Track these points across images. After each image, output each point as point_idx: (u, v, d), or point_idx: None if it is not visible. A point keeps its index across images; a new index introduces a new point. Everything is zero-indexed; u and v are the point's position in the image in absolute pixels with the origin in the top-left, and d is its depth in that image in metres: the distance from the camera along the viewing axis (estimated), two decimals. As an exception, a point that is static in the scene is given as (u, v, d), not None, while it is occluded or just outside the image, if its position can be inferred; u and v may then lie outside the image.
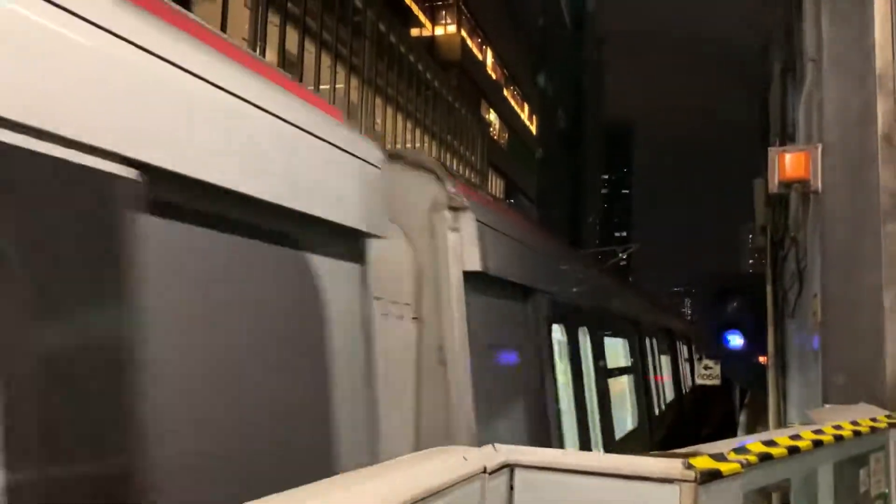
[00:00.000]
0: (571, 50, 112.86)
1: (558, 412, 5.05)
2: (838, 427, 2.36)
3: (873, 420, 2.74)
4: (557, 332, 5.50)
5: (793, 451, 1.97)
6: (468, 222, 3.60)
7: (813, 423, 2.87)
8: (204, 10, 26.59)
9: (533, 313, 4.75)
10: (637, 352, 9.14)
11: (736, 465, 1.61)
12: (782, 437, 2.04)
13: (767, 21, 8.72)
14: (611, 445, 6.59)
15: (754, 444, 1.83)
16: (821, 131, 4.00)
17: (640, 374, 9.23)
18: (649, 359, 10.15)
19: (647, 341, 10.15)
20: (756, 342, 7.83)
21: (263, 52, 29.55)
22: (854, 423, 2.53)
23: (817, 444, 2.12)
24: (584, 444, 5.72)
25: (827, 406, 3.74)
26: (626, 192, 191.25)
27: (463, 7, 53.26)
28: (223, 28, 27.41)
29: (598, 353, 6.92)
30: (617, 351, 8.46)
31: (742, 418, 11.01)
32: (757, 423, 11.78)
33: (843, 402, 3.81)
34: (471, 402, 3.44)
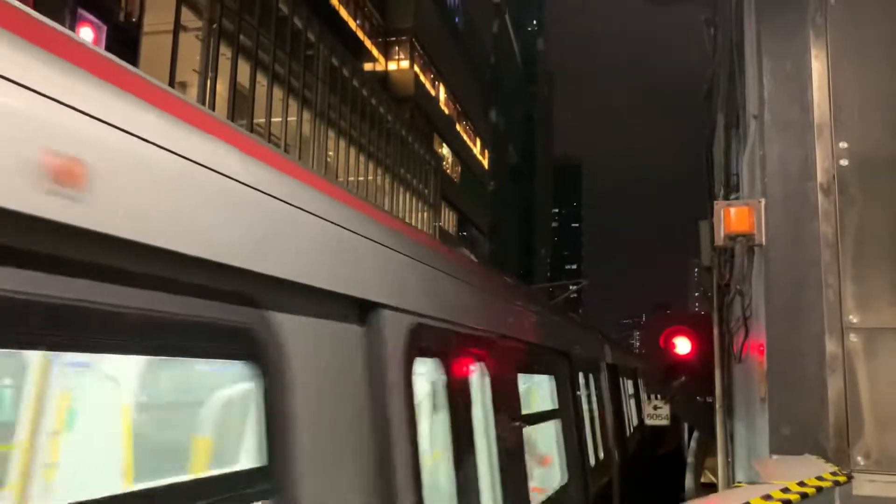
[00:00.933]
0: (522, 86, 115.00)
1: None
2: (786, 490, 2.38)
3: (819, 478, 2.78)
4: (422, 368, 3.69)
5: (744, 521, 1.97)
6: None
7: (758, 476, 2.89)
8: (154, 41, 26.36)
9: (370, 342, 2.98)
10: (567, 391, 7.47)
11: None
12: (732, 507, 2.04)
13: (709, 71, 9.01)
14: None
15: None
16: (764, 186, 4.11)
17: (571, 418, 7.46)
18: (583, 399, 8.75)
19: (581, 378, 8.75)
20: (703, 383, 7.94)
21: (215, 84, 29.37)
22: (801, 483, 2.56)
23: (766, 511, 2.13)
24: None
25: (775, 458, 3.79)
26: (576, 225, 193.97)
27: (416, 43, 53.93)
28: (173, 61, 27.19)
29: (501, 395, 4.94)
30: (536, 392, 7.12)
31: (690, 459, 11.13)
32: (704, 461, 11.92)
33: (788, 452, 3.86)
34: None
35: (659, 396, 10.31)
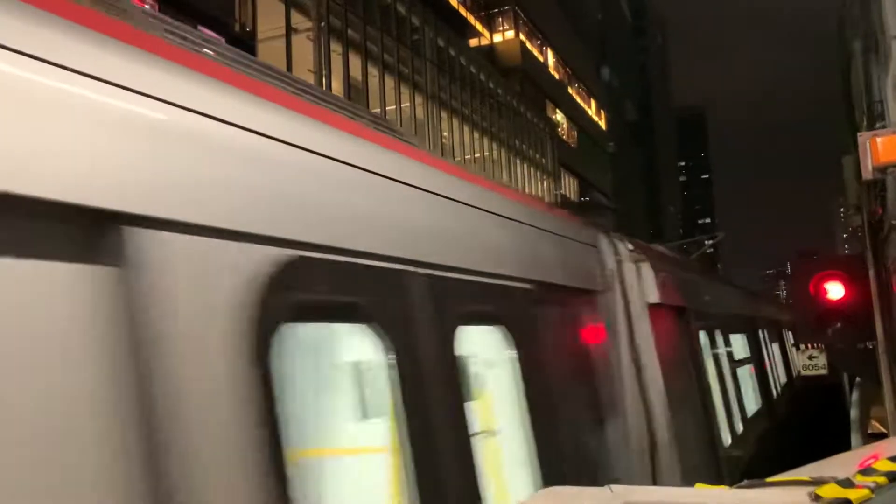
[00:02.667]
0: (633, 40, 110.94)
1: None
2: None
3: None
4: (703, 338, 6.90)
5: (923, 464, 1.87)
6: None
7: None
8: (269, 47, 27.49)
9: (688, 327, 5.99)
10: (754, 344, 9.91)
11: (865, 492, 1.54)
12: (909, 450, 1.94)
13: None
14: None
15: (881, 462, 1.75)
16: (913, 110, 3.80)
17: (759, 364, 9.99)
18: (763, 350, 11.02)
19: (761, 334, 11.01)
20: (862, 327, 7.46)
21: (330, 82, 30.28)
22: None
23: (949, 452, 2.00)
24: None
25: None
26: (706, 177, 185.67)
27: (519, 12, 53.17)
28: (288, 63, 28.25)
29: (728, 348, 8.29)
30: (740, 345, 9.45)
31: (853, 411, 10.51)
32: (870, 411, 11.22)
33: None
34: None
35: (814, 346, 9.80)
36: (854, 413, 12.03)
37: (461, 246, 3.03)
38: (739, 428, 8.06)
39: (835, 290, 8.24)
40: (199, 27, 25.04)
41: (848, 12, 7.38)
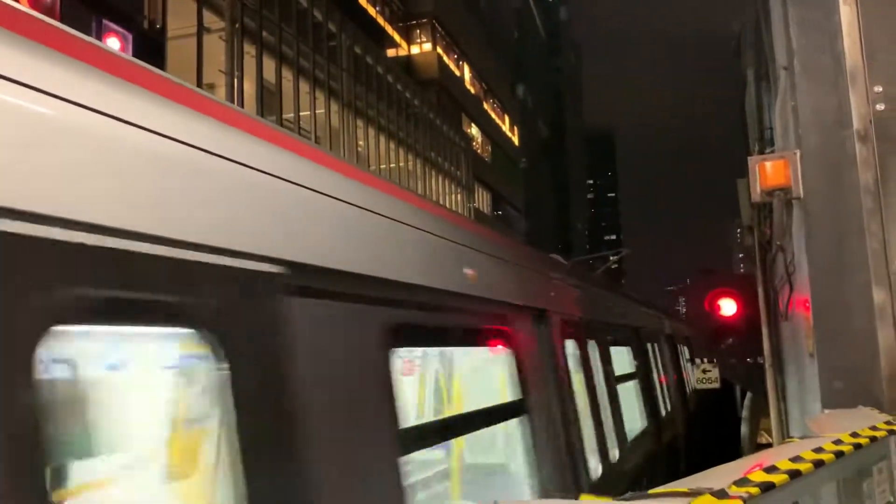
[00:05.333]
0: (548, 59, 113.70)
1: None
2: (838, 442, 2.35)
3: (873, 428, 2.73)
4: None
5: (794, 474, 1.95)
6: None
7: (812, 434, 2.87)
8: (179, 46, 26.65)
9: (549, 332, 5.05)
10: (641, 357, 9.44)
11: (738, 502, 1.59)
12: (783, 461, 2.03)
13: (737, 25, 8.80)
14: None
15: (755, 473, 1.82)
16: (798, 137, 4.02)
17: (646, 378, 9.49)
18: (652, 363, 10.51)
19: (651, 347, 10.47)
20: (751, 343, 7.82)
21: (241, 84, 29.61)
22: (854, 434, 2.52)
23: (818, 464, 2.10)
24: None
25: (826, 412, 3.74)
26: (613, 195, 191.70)
27: (437, 25, 53.59)
28: (199, 63, 27.46)
29: (605, 359, 7.34)
30: (624, 357, 8.82)
31: (744, 427, 11.01)
32: (759, 422, 11.75)
33: (841, 406, 3.81)
34: None
35: (709, 360, 10.22)
36: (745, 425, 12.59)
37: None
38: (616, 443, 7.08)
39: (728, 307, 8.63)
40: (105, 21, 23.95)
41: (743, 41, 7.82)
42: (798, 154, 4.00)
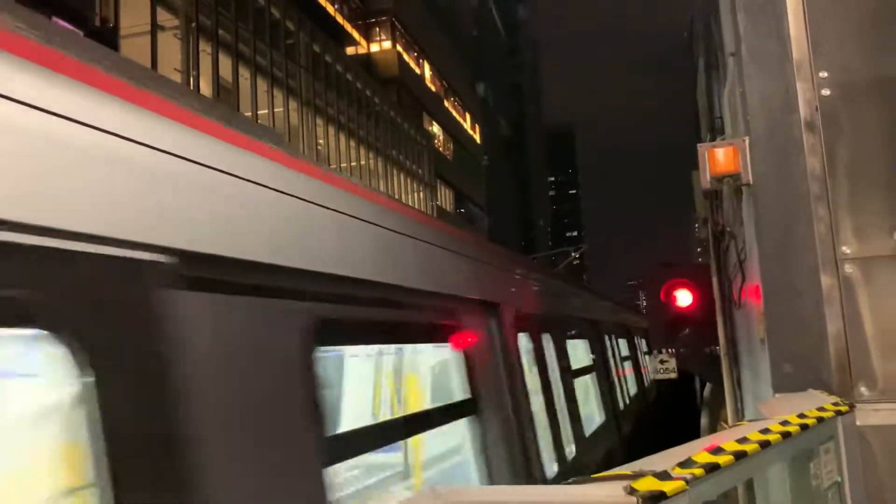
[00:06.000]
0: (508, 57, 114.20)
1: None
2: (785, 423, 2.34)
3: (820, 409, 2.73)
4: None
5: (740, 455, 1.92)
6: None
7: (762, 417, 2.86)
8: (133, 44, 26.12)
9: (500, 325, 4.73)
10: (598, 349, 9.30)
11: (681, 483, 1.55)
12: (729, 443, 2.00)
13: (688, 17, 8.88)
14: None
15: (700, 454, 1.78)
16: (747, 124, 4.03)
17: (603, 370, 9.40)
18: (609, 356, 10.36)
19: (609, 340, 10.33)
20: (708, 333, 7.91)
21: (197, 82, 29.13)
22: (801, 415, 2.51)
23: (765, 444, 2.08)
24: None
25: (777, 396, 3.75)
26: (574, 192, 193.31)
27: (396, 23, 53.45)
28: (153, 61, 26.95)
29: (561, 351, 7.07)
30: (580, 350, 8.65)
31: (703, 417, 11.13)
32: (720, 411, 11.91)
33: (791, 390, 3.83)
34: None
35: (666, 350, 10.31)
36: (704, 416, 12.73)
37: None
38: (572, 439, 6.79)
39: (683, 298, 8.71)
40: (54, 18, 23.45)
41: (694, 32, 7.88)
42: (747, 141, 4.00)
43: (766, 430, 2.19)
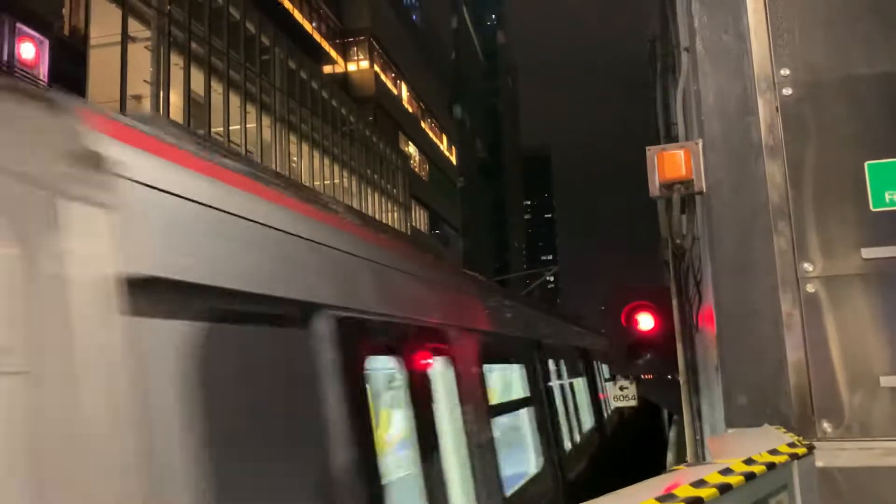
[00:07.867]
0: (485, 80, 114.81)
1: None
2: (726, 472, 1.87)
3: (772, 453, 2.27)
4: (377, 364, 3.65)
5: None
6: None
7: (709, 458, 2.40)
8: (102, 54, 25.48)
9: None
10: (541, 377, 7.89)
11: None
12: (648, 501, 1.54)
13: (649, 31, 8.52)
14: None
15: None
16: (700, 126, 3.61)
17: (546, 399, 7.92)
18: (555, 384, 8.97)
19: (554, 365, 9.07)
20: (669, 359, 7.47)
21: (168, 95, 28.51)
22: (749, 461, 2.05)
23: (694, 501, 1.62)
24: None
25: (730, 431, 3.29)
26: (549, 216, 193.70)
27: (374, 43, 53.28)
28: (123, 73, 26.32)
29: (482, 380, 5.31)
30: (514, 376, 7.18)
31: (671, 436, 10.73)
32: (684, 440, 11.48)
33: (746, 423, 3.38)
34: None
35: (626, 377, 9.86)
36: (670, 452, 12.29)
37: None
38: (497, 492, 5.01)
39: (645, 321, 8.25)
40: (18, 25, 22.73)
41: (654, 39, 7.55)
42: (700, 143, 3.58)
43: (701, 483, 1.73)
